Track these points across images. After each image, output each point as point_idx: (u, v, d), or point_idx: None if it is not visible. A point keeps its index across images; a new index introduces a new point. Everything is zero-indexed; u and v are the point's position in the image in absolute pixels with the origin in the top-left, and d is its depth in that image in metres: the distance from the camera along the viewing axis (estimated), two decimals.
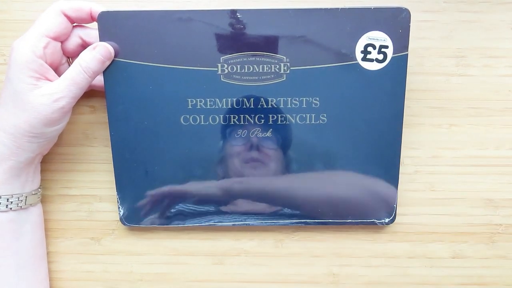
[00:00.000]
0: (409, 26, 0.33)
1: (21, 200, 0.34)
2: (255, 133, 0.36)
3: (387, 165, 0.36)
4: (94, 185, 0.39)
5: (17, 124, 0.31)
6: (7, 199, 0.33)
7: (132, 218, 0.37)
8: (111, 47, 0.33)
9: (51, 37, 0.32)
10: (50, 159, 0.38)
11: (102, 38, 0.33)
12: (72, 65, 0.32)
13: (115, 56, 0.34)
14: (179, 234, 0.39)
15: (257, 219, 0.37)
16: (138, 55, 0.34)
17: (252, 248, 0.39)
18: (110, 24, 0.33)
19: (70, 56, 0.35)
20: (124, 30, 0.33)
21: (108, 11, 0.33)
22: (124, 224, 0.37)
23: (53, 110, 0.31)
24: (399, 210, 0.38)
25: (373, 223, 0.37)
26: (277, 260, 0.39)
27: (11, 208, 0.33)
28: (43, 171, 0.38)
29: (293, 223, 0.37)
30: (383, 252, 0.39)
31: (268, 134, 0.35)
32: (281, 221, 0.37)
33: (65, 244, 0.39)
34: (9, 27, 0.37)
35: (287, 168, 0.36)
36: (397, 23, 0.33)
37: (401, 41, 0.34)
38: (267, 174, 0.36)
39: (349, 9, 0.33)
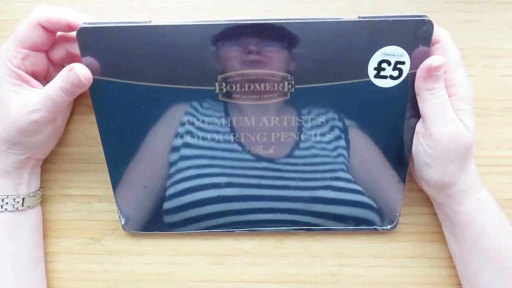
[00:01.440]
0: (431, 39, 0.29)
1: (17, 202, 0.34)
2: (257, 150, 0.34)
3: (393, 180, 0.35)
4: (94, 185, 0.39)
5: None
6: (2, 199, 0.33)
7: (134, 226, 0.38)
8: (87, 71, 0.30)
9: (30, 49, 0.31)
10: (51, 159, 0.38)
11: (83, 55, 0.30)
12: (52, 80, 0.31)
13: (100, 75, 0.31)
14: (179, 234, 0.39)
15: (257, 226, 0.37)
16: (127, 74, 0.31)
17: (252, 248, 0.39)
18: (91, 41, 0.29)
19: (62, 63, 0.34)
20: (109, 48, 0.29)
21: (87, 27, 0.29)
22: (126, 230, 0.38)
23: (28, 122, 0.30)
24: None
25: (375, 229, 0.37)
26: (277, 260, 0.39)
27: (6, 209, 0.33)
28: (43, 171, 0.38)
29: (294, 230, 0.38)
30: (383, 252, 0.39)
31: (270, 151, 0.34)
32: (282, 228, 0.37)
33: (65, 244, 0.39)
34: (9, 27, 0.37)
35: (289, 182, 0.35)
36: (417, 37, 0.29)
37: (420, 56, 0.30)
38: (270, 188, 0.36)
39: (364, 21, 0.29)
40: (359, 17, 0.29)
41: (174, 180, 0.35)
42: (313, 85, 0.31)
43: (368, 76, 0.31)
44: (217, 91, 0.32)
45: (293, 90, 0.32)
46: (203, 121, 0.33)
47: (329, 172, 0.35)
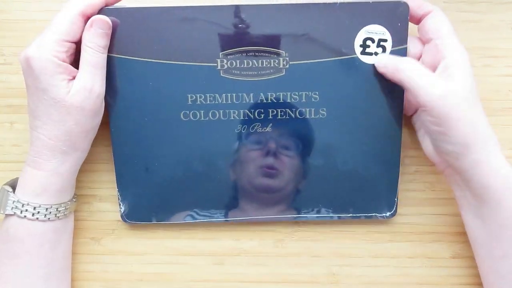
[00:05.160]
0: (408, 19, 0.33)
1: (67, 208, 0.34)
2: (255, 128, 0.36)
3: (387, 158, 0.36)
4: (94, 185, 0.39)
5: (68, 130, 0.31)
6: (57, 208, 0.33)
7: (133, 215, 0.38)
8: (106, 17, 0.32)
9: (71, 41, 0.31)
10: None
11: None
12: (82, 51, 0.32)
13: (115, 53, 0.34)
14: (179, 234, 0.39)
15: (256, 214, 0.37)
16: (138, 52, 0.34)
17: (252, 248, 0.39)
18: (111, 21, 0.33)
19: None
20: (125, 27, 0.34)
21: (111, 8, 0.33)
22: (124, 221, 0.38)
23: (93, 101, 0.32)
24: (399, 210, 0.38)
25: (375, 217, 0.37)
26: (277, 260, 0.39)
27: (58, 217, 0.34)
28: None
29: (293, 218, 0.38)
30: (383, 252, 0.39)
31: (268, 129, 0.36)
32: (281, 216, 0.37)
33: None
34: (9, 27, 0.37)
35: (287, 162, 0.36)
36: (395, 17, 0.33)
37: (400, 34, 0.34)
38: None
39: (347, 3, 0.33)
40: (344, 0, 0.33)
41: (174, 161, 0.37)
42: (307, 61, 0.34)
43: (354, 53, 0.34)
44: (219, 67, 0.34)
45: (288, 66, 0.34)
46: (204, 98, 0.35)
47: (323, 150, 0.36)
